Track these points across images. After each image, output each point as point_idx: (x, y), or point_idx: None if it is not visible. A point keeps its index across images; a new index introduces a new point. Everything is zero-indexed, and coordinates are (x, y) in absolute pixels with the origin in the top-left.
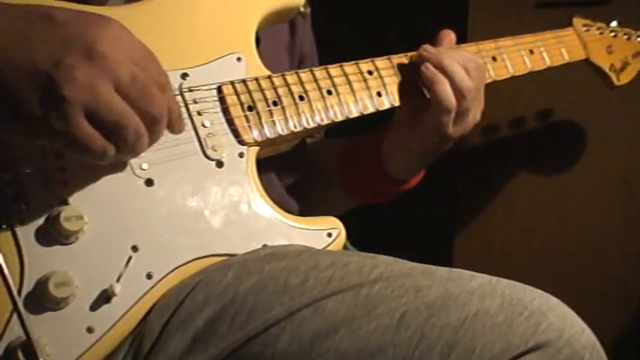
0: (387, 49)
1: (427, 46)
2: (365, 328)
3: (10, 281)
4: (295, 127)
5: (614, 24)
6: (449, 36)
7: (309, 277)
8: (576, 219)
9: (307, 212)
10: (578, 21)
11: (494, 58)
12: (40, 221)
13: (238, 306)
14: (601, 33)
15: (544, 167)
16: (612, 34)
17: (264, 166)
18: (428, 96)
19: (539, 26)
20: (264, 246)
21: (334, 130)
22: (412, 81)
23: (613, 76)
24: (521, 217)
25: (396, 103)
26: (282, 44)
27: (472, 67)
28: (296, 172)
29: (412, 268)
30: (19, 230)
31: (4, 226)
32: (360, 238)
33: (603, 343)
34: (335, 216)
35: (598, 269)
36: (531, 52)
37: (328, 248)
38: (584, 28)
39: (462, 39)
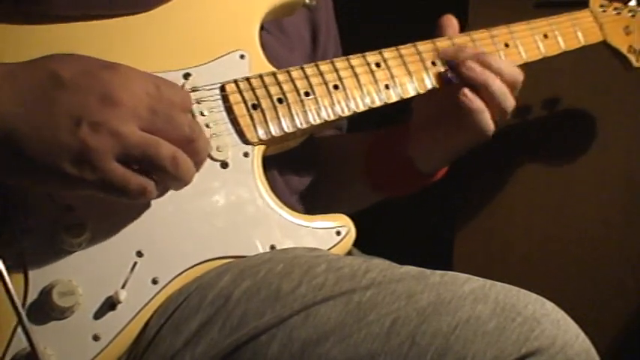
0: (386, 47)
1: (471, 63)
2: (355, 336)
3: (13, 292)
4: (301, 124)
5: (632, 3)
6: (452, 23)
7: (302, 282)
8: (577, 217)
9: (322, 209)
10: (594, 1)
11: (506, 45)
12: (44, 229)
13: (230, 310)
14: (618, 13)
15: (545, 166)
16: (630, 13)
17: (269, 165)
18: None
19: None
20: (272, 247)
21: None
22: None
23: (632, 57)
24: (522, 218)
25: (405, 96)
26: (300, 53)
27: (517, 85)
28: (303, 171)
29: (405, 273)
30: (22, 239)
31: (6, 236)
32: (360, 237)
33: (603, 342)
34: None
35: (598, 267)
36: (545, 36)
37: (337, 246)
38: (601, 9)
39: None
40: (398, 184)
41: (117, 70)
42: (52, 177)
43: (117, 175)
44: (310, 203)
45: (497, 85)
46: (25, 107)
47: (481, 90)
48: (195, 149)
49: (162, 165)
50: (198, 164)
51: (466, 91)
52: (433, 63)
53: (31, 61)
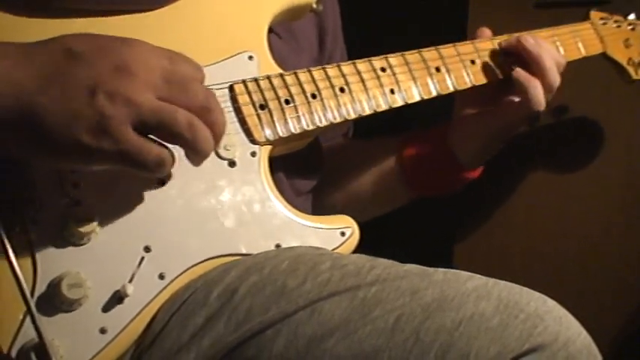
0: (387, 48)
1: (526, 37)
2: (360, 332)
3: (24, 283)
4: (308, 125)
5: (632, 17)
6: (484, 34)
7: (307, 279)
8: (578, 219)
9: (332, 212)
10: (595, 14)
11: None
12: (53, 223)
13: (236, 305)
14: (618, 26)
15: (545, 166)
16: (630, 27)
17: (275, 167)
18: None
19: (539, 26)
20: (277, 246)
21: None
22: (495, 68)
23: (631, 69)
24: (522, 217)
25: (410, 100)
26: (307, 57)
27: (561, 66)
28: (309, 173)
29: (409, 271)
30: (31, 232)
31: (17, 229)
32: (360, 238)
33: (604, 343)
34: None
35: (599, 269)
36: None
37: (341, 247)
38: (601, 22)
39: (461, 38)
40: (437, 180)
41: (130, 43)
42: (71, 150)
43: (135, 145)
44: (315, 205)
45: (549, 60)
46: (40, 81)
47: (533, 66)
48: (212, 120)
49: (179, 132)
50: (216, 136)
51: (519, 69)
52: (437, 69)
53: (46, 40)
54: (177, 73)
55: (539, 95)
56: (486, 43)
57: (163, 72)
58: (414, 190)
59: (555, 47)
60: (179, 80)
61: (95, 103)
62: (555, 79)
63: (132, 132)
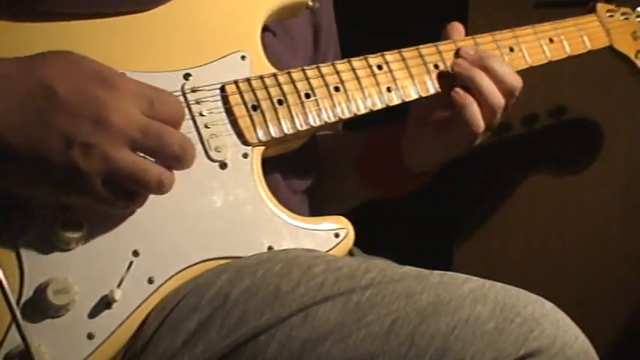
0: (386, 48)
1: (461, 59)
2: (355, 336)
3: (8, 289)
4: (301, 125)
5: None
6: (457, 30)
7: (300, 282)
8: (578, 219)
9: (323, 210)
10: (601, 7)
11: (511, 49)
12: (41, 228)
13: (228, 310)
14: (626, 18)
15: (545, 167)
16: (639, 19)
17: (271, 167)
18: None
19: None
20: (270, 248)
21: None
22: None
23: (639, 62)
24: (522, 218)
25: (407, 99)
26: (303, 55)
27: (509, 85)
28: (304, 172)
29: (404, 273)
30: (18, 237)
31: (4, 234)
32: (360, 238)
33: (604, 344)
34: (349, 211)
35: (598, 270)
36: (551, 40)
37: (336, 248)
38: (608, 14)
39: None
40: (387, 181)
41: (111, 85)
42: (41, 188)
43: (104, 198)
44: (312, 204)
45: (486, 82)
46: (16, 119)
47: (471, 86)
48: (181, 165)
49: (147, 187)
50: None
51: (457, 88)
52: (435, 66)
53: (27, 66)
54: (155, 123)
55: (474, 116)
56: (487, 37)
57: (141, 120)
58: (366, 188)
59: (560, 41)
60: (156, 130)
61: (70, 155)
62: (497, 101)
63: (101, 186)
